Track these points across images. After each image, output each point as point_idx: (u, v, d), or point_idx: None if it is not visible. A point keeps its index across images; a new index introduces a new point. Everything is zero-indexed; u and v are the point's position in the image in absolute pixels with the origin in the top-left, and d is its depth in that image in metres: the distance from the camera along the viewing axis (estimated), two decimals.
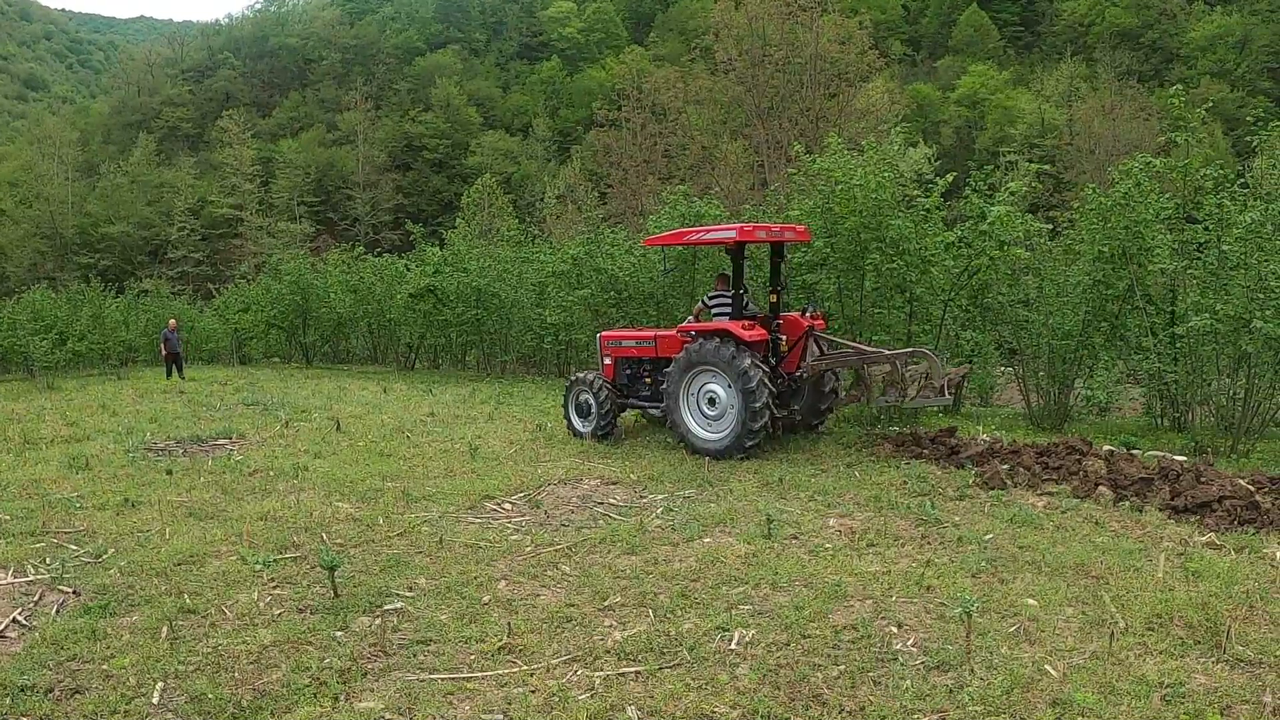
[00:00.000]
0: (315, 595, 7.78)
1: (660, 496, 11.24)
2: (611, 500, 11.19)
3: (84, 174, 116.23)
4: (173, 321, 32.96)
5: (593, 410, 15.27)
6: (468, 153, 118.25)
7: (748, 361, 12.87)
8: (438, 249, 32.33)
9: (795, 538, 9.26)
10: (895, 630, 6.82)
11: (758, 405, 12.83)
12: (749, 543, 9.03)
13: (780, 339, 14.21)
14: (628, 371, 15.72)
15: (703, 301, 15.38)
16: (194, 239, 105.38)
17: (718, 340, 13.24)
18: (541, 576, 8.32)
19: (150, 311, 42.61)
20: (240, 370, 35.15)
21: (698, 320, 14.84)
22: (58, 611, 7.60)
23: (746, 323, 13.52)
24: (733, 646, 6.58)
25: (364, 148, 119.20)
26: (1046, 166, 18.20)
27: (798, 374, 14.04)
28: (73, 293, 42.69)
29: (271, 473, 12.92)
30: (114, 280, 54.25)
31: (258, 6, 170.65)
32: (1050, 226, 19.04)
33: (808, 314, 14.37)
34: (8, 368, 37.79)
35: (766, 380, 13.00)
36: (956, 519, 9.83)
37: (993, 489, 11.14)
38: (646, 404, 15.23)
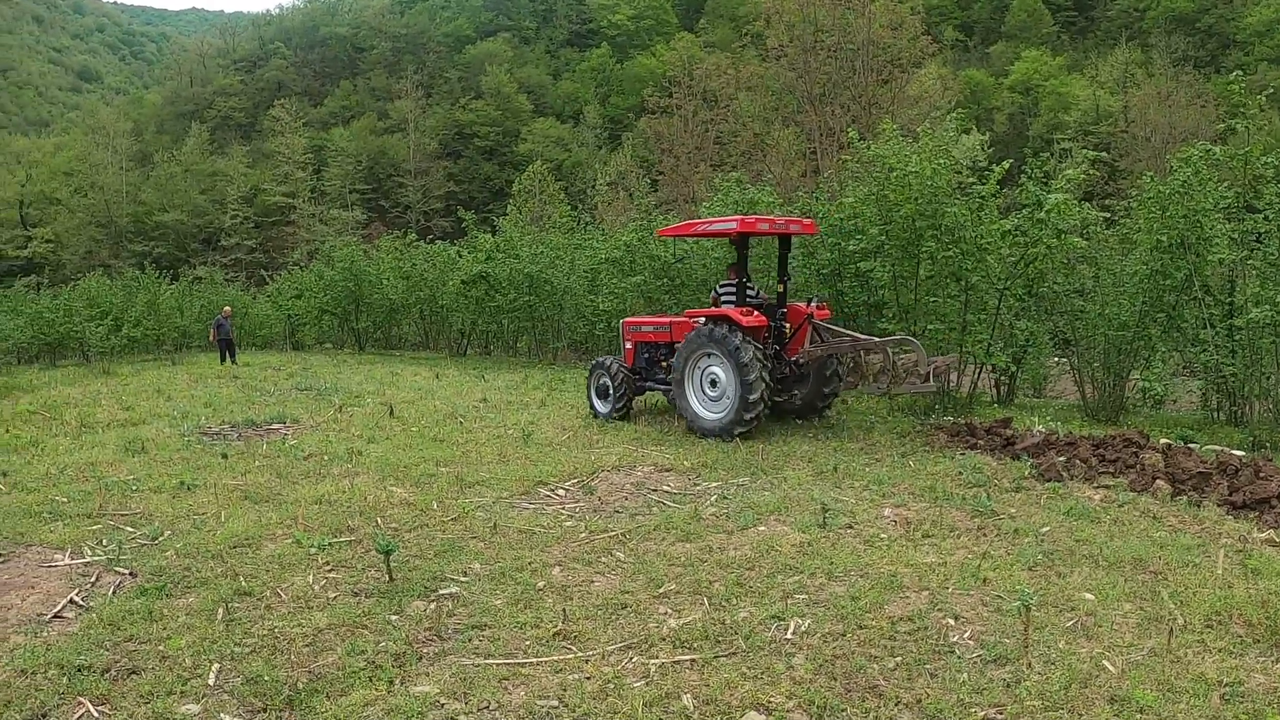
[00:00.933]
0: (370, 579, 7.78)
1: (714, 484, 11.13)
2: (665, 487, 11.09)
3: (138, 163, 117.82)
4: (227, 309, 33.25)
5: (610, 392, 16.05)
6: (518, 140, 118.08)
7: (745, 345, 13.46)
8: (490, 236, 32.32)
9: (850, 527, 9.13)
10: (952, 622, 6.69)
11: (752, 387, 13.42)
12: (804, 532, 8.90)
13: (785, 326, 14.95)
14: (646, 355, 16.42)
15: (715, 290, 15.79)
16: (247, 226, 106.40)
17: (718, 325, 13.89)
18: (596, 563, 8.27)
19: (204, 298, 43.09)
20: (293, 356, 35.52)
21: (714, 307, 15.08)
22: (114, 593, 7.63)
23: (746, 309, 14.05)
24: (788, 636, 6.48)
25: (415, 136, 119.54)
26: (1103, 154, 17.75)
27: (796, 360, 14.67)
28: (127, 279, 43.14)
29: (326, 457, 12.98)
30: (168, 267, 54.90)
31: None
32: (1106, 215, 18.71)
33: (812, 304, 14.96)
34: (65, 353, 38.21)
35: (762, 364, 13.60)
36: (1012, 511, 9.63)
37: (1049, 481, 10.93)
38: (662, 386, 15.79)
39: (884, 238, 17.12)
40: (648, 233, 24.07)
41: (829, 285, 20.50)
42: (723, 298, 15.21)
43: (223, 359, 30.82)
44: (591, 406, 16.65)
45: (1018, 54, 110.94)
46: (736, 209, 21.32)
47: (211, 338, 31.59)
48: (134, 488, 11.20)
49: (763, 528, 9.13)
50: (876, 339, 14.28)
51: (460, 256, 33.46)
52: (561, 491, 11.02)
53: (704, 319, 14.43)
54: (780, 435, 14.20)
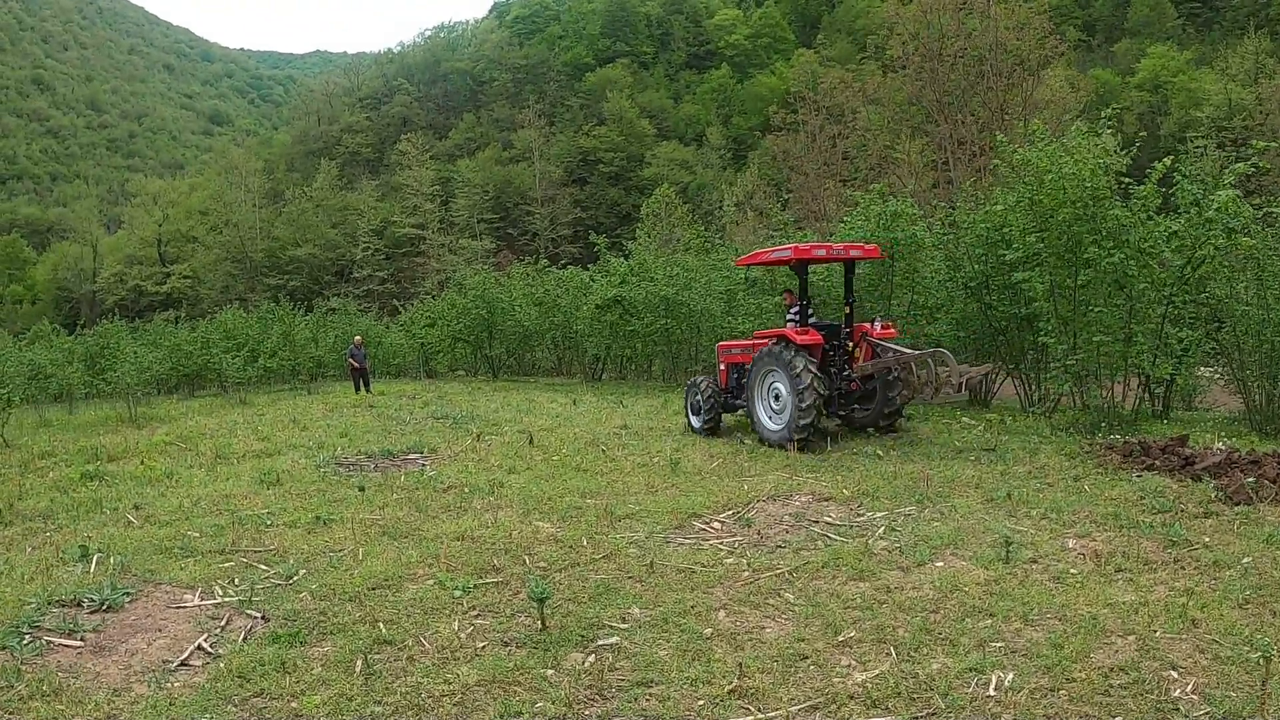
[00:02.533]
0: (521, 626, 7.18)
1: (879, 514, 10.37)
2: (827, 518, 10.36)
3: (270, 200, 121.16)
4: (359, 338, 33.28)
5: (701, 409, 17.30)
6: (643, 164, 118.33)
7: (797, 360, 14.58)
8: (622, 260, 31.80)
9: (1035, 561, 8.39)
10: (1173, 675, 5.93)
11: (804, 397, 14.42)
12: (986, 567, 8.20)
13: (850, 345, 15.96)
14: (735, 376, 17.44)
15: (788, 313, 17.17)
16: (378, 258, 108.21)
17: (777, 344, 15.24)
18: (764, 606, 7.59)
19: (338, 328, 43.44)
20: (427, 384, 35.30)
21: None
22: (245, 638, 7.17)
23: (802, 329, 15.37)
24: (991, 692, 5.77)
25: (540, 164, 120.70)
26: (1273, 144, 16.62)
27: (846, 375, 15.68)
28: (263, 312, 43.72)
29: (466, 489, 12.46)
30: (302, 300, 55.73)
31: (429, 33, 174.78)
32: (1261, 212, 17.40)
33: (876, 324, 15.99)
34: (202, 385, 38.82)
35: (814, 377, 14.56)
36: (1206, 540, 8.77)
37: (1238, 504, 9.97)
38: (743, 404, 16.67)
39: (1041, 244, 16.11)
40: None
41: (976, 298, 19.79)
42: (788, 320, 16.73)
43: (357, 388, 30.78)
44: (688, 421, 17.94)
45: (1143, 51, 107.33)
46: (879, 222, 20.52)
47: (352, 367, 31.54)
48: (268, 522, 10.81)
49: (940, 563, 8.46)
50: (914, 353, 15.10)
51: (594, 281, 33.00)
52: (717, 524, 10.34)
53: (770, 339, 15.84)
54: (941, 459, 13.42)
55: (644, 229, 63.40)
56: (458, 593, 7.78)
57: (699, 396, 17.40)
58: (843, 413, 16.34)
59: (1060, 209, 15.57)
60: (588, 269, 36.96)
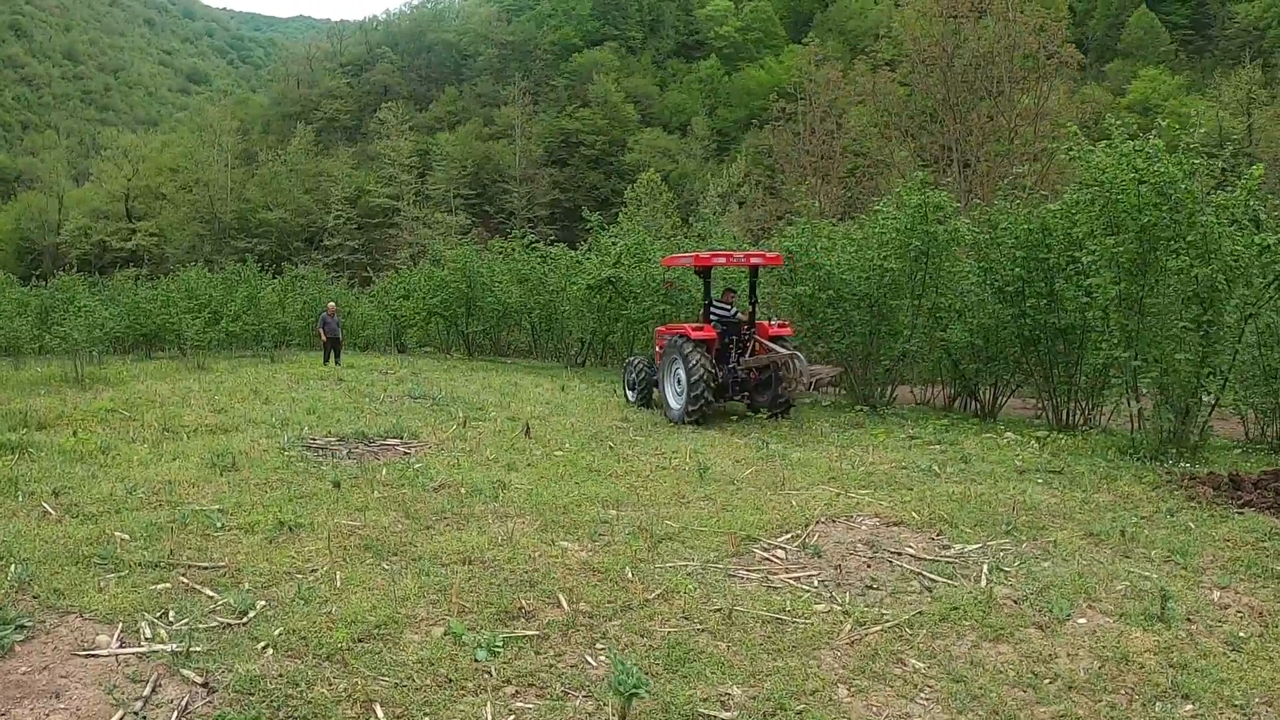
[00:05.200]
0: (580, 712, 5.09)
1: (971, 548, 8.80)
2: (909, 549, 8.74)
3: (243, 162, 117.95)
4: (332, 305, 31.10)
5: (636, 385, 19.35)
6: (625, 150, 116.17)
7: (691, 353, 16.46)
8: (614, 241, 29.75)
9: (1191, 620, 7.01)
10: None
11: (695, 387, 16.35)
12: (1144, 629, 6.76)
13: (749, 342, 17.84)
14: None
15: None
16: (349, 227, 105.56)
17: (678, 338, 17.21)
18: (891, 679, 5.84)
19: (307, 295, 41.16)
20: (399, 359, 33.04)
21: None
22: None
23: (698, 325, 17.50)
24: None
25: (521, 142, 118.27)
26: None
27: (733, 368, 17.46)
28: (228, 273, 41.56)
29: (463, 489, 10.33)
30: (270, 264, 53.19)
31: (415, 3, 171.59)
32: None
33: (773, 323, 18.08)
34: (161, 346, 36.45)
35: (705, 369, 16.35)
36: None
37: None
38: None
39: (1117, 248, 14.32)
40: (812, 239, 21.23)
41: (1010, 304, 18.41)
42: (710, 315, 18.25)
43: (326, 359, 28.58)
44: (625, 395, 19.97)
45: (1134, 72, 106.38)
46: (917, 212, 18.79)
47: (322, 338, 29.30)
48: (218, 523, 8.58)
49: (1082, 620, 6.99)
50: (784, 351, 16.85)
51: (585, 260, 30.84)
52: (781, 553, 8.51)
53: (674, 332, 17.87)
54: (1005, 479, 11.81)
55: (627, 214, 61.51)
56: (480, 654, 5.68)
57: (634, 374, 19.48)
58: (745, 398, 18.06)
59: (1141, 212, 14.07)
60: (575, 248, 34.73)
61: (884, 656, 6.12)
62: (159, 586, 6.93)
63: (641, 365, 19.31)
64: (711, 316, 18.11)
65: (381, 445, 13.27)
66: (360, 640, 5.99)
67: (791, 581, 7.65)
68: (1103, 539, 9.11)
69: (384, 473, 11.06)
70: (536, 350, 37.31)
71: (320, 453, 12.47)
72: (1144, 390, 14.81)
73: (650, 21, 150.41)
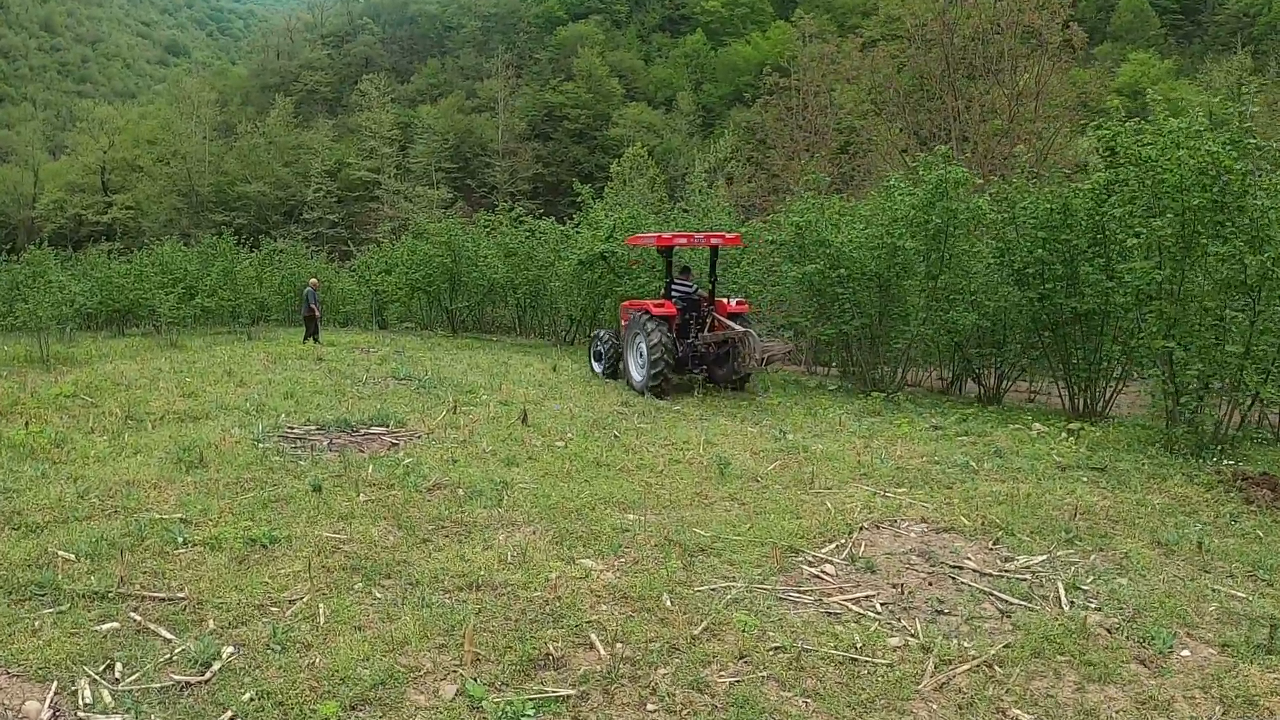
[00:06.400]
0: None
1: (1037, 559, 7.96)
2: (968, 561, 7.85)
3: (222, 134, 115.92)
4: (314, 280, 29.75)
5: (604, 356, 19.89)
6: (609, 124, 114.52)
7: (653, 329, 17.31)
8: (607, 214, 28.60)
9: None
10: None
11: (655, 359, 17.22)
12: (1258, 663, 6.01)
13: (709, 318, 18.61)
14: None
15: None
16: (329, 200, 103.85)
17: (641, 313, 17.97)
18: None
19: (285, 269, 39.84)
20: (381, 336, 31.70)
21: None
22: None
23: (659, 301, 18.38)
24: None
25: (504, 116, 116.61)
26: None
27: (691, 342, 18.15)
28: (204, 246, 40.14)
29: (460, 490, 9.17)
30: (249, 238, 51.66)
31: None
32: None
33: (732, 300, 18.80)
34: (134, 322, 35.18)
35: (664, 343, 17.23)
36: None
37: None
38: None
39: (1169, 231, 13.32)
40: (821, 214, 20.17)
41: (1027, 287, 17.84)
42: (672, 293, 19.03)
43: (306, 336, 27.31)
44: (591, 368, 20.65)
45: (1124, 56, 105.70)
46: (937, 187, 17.79)
47: (308, 313, 27.92)
48: (181, 538, 7.37)
49: (1186, 652, 6.20)
50: (739, 328, 17.59)
51: (576, 232, 29.57)
52: (830, 568, 7.46)
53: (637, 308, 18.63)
54: (1047, 478, 10.99)
55: (613, 189, 60.33)
56: None
57: (601, 347, 20.09)
58: (703, 371, 18.68)
59: (1186, 193, 13.13)
60: (565, 222, 33.38)
61: (981, 706, 5.17)
62: (105, 626, 5.74)
63: (609, 338, 19.96)
64: (673, 293, 18.88)
65: (366, 435, 12.06)
66: (353, 708, 4.81)
67: (851, 606, 6.63)
68: (1174, 550, 8.35)
69: (370, 470, 9.87)
70: (521, 328, 36.09)
71: (298, 445, 11.26)
72: (1180, 380, 13.76)
73: None
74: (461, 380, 17.73)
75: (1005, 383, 21.05)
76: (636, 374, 18.08)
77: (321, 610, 6.02)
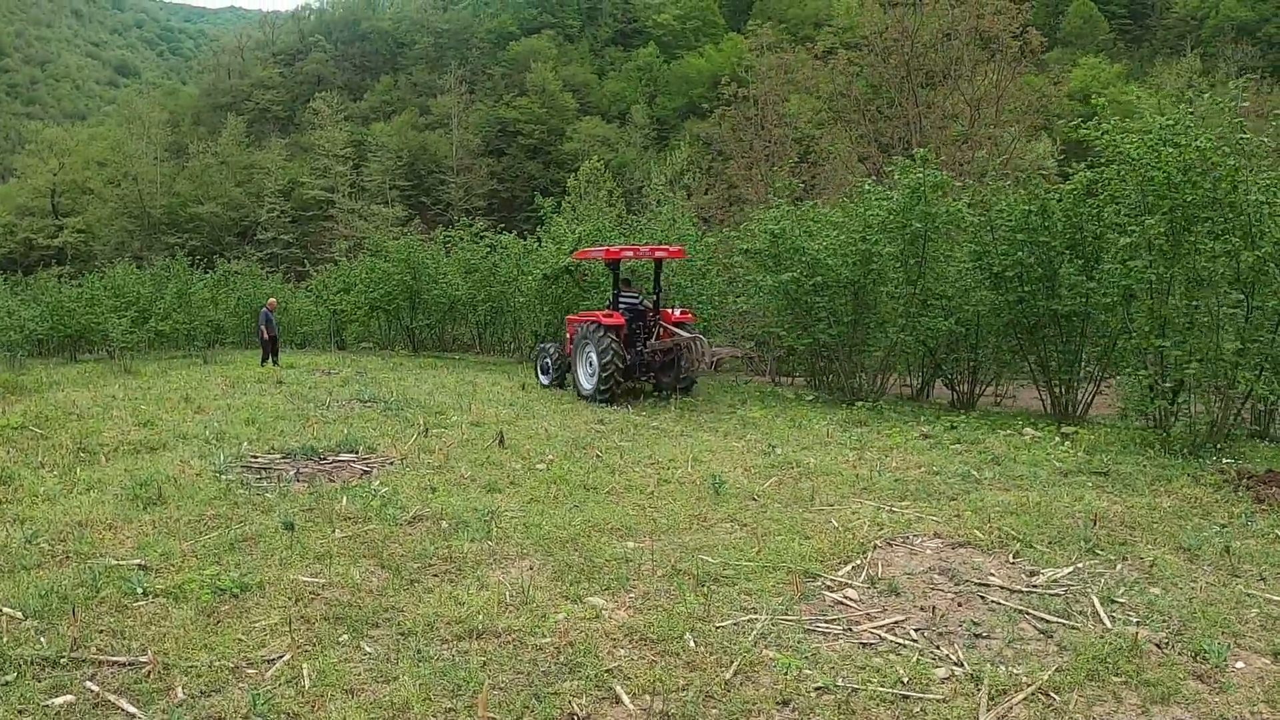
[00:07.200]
0: None
1: (1063, 572, 7.56)
2: (992, 578, 7.41)
3: (173, 155, 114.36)
4: (272, 300, 28.93)
5: (550, 369, 20.64)
6: (563, 139, 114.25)
7: (602, 338, 17.89)
8: (564, 225, 28.13)
9: None
10: None
11: (606, 369, 17.80)
12: None
13: (654, 328, 19.20)
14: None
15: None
16: (284, 221, 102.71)
17: (589, 324, 18.52)
18: None
19: (241, 290, 38.89)
20: (341, 357, 30.95)
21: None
22: None
23: (608, 313, 18.77)
24: None
25: (458, 132, 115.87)
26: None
27: (639, 350, 18.77)
28: (157, 269, 39.21)
29: (444, 521, 8.51)
30: (202, 259, 50.66)
31: None
32: None
33: (675, 310, 19.45)
34: (87, 348, 34.24)
35: (614, 352, 17.83)
36: None
37: None
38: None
39: (1164, 228, 13.06)
40: (799, 221, 19.80)
41: (1006, 290, 17.59)
42: (619, 304, 19.45)
43: (264, 359, 26.53)
44: (537, 379, 21.18)
45: (1074, 61, 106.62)
46: (916, 190, 17.54)
47: (264, 335, 27.07)
48: (140, 588, 6.61)
49: (1240, 664, 5.92)
50: (686, 334, 18.37)
51: (538, 247, 28.94)
52: (851, 592, 6.97)
53: (585, 319, 19.16)
54: (1051, 485, 10.73)
55: (570, 203, 59.78)
56: None
57: (548, 359, 20.81)
58: (651, 378, 19.22)
59: (1176, 190, 13.03)
60: (524, 237, 32.71)
61: None
62: (59, 700, 4.99)
63: (554, 350, 20.74)
64: (620, 305, 19.32)
65: (335, 462, 11.36)
66: None
67: (885, 635, 6.12)
68: (1198, 555, 8.10)
69: (344, 502, 9.12)
70: (482, 345, 35.37)
71: (263, 475, 10.52)
72: (1176, 378, 13.74)
73: (588, 9, 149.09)
74: (429, 401, 17.02)
75: (979, 387, 20.69)
76: (586, 382, 18.62)
77: (306, 671, 5.32)
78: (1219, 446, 12.99)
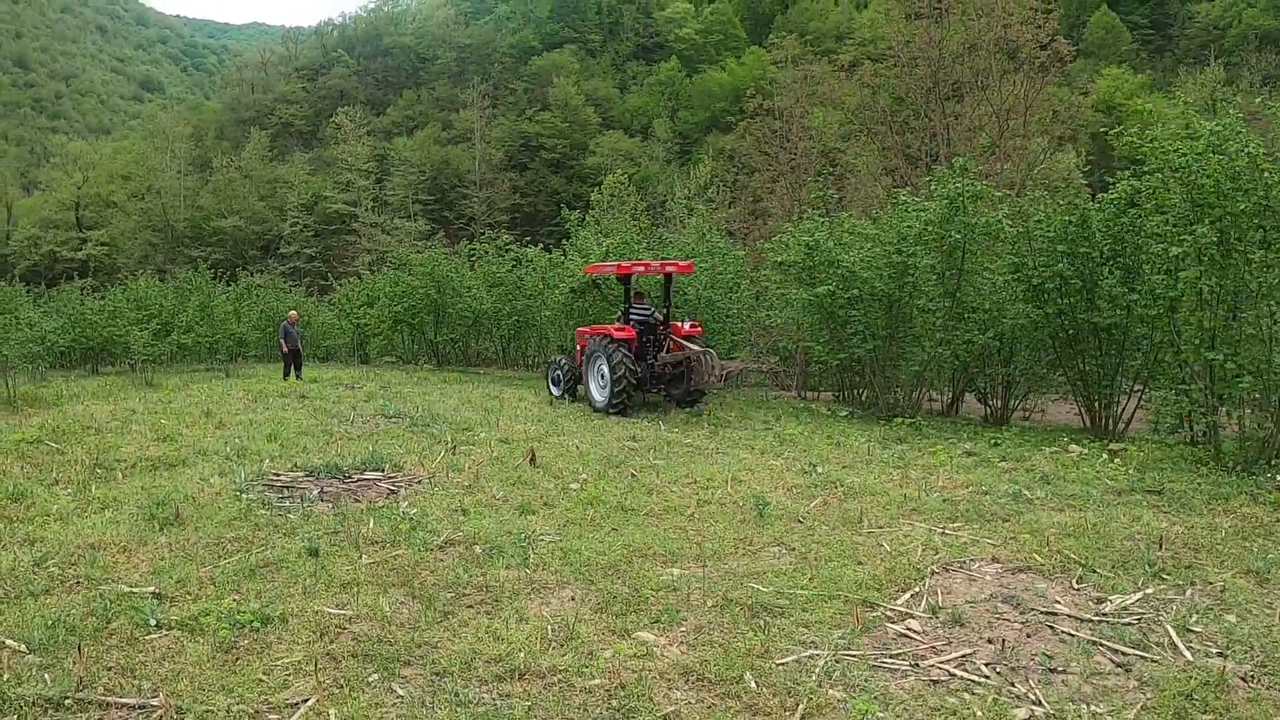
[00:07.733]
0: None
1: (1133, 599, 7.19)
2: (1058, 605, 7.04)
3: (197, 168, 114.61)
4: (293, 313, 28.58)
5: (561, 381, 20.86)
6: (586, 153, 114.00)
7: (614, 351, 18.05)
8: (592, 238, 27.76)
9: None
10: None
11: (619, 382, 17.90)
12: None
13: (664, 341, 19.44)
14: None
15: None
16: (306, 234, 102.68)
17: (602, 337, 18.62)
18: None
19: (264, 303, 38.71)
20: (364, 371, 30.64)
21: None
22: None
23: (619, 326, 18.99)
24: None
25: (480, 146, 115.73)
26: None
27: (650, 364, 18.95)
28: (180, 281, 38.97)
29: (477, 546, 8.06)
30: (225, 273, 50.53)
31: (371, 6, 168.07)
32: None
33: (686, 324, 19.64)
34: (109, 360, 33.99)
35: (626, 365, 17.94)
36: None
37: None
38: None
39: (1215, 238, 12.60)
40: (832, 233, 19.34)
41: (1045, 302, 17.02)
42: (630, 318, 19.67)
43: (286, 373, 26.19)
44: (549, 391, 21.44)
45: (1097, 71, 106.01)
46: (955, 200, 17.16)
47: (283, 349, 26.72)
48: (154, 619, 6.19)
49: None
50: (696, 348, 18.64)
51: (565, 260, 28.57)
52: (914, 624, 6.53)
53: (597, 333, 19.28)
54: (1105, 504, 10.30)
55: (594, 217, 59.48)
56: None
57: (559, 371, 21.08)
58: (661, 390, 19.50)
59: (1225, 198, 12.66)
60: (553, 249, 32.33)
61: None
62: None
63: (566, 364, 20.95)
64: (631, 318, 19.59)
65: (360, 481, 10.96)
66: None
67: (954, 670, 5.69)
68: (1268, 579, 7.77)
69: (371, 525, 8.70)
70: (506, 360, 35.06)
71: (286, 494, 10.12)
72: (1232, 393, 13.17)
73: (610, 24, 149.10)
74: (455, 417, 16.58)
75: (1014, 402, 20.21)
76: (598, 395, 18.80)
77: (333, 717, 4.89)
78: (1272, 463, 12.44)
